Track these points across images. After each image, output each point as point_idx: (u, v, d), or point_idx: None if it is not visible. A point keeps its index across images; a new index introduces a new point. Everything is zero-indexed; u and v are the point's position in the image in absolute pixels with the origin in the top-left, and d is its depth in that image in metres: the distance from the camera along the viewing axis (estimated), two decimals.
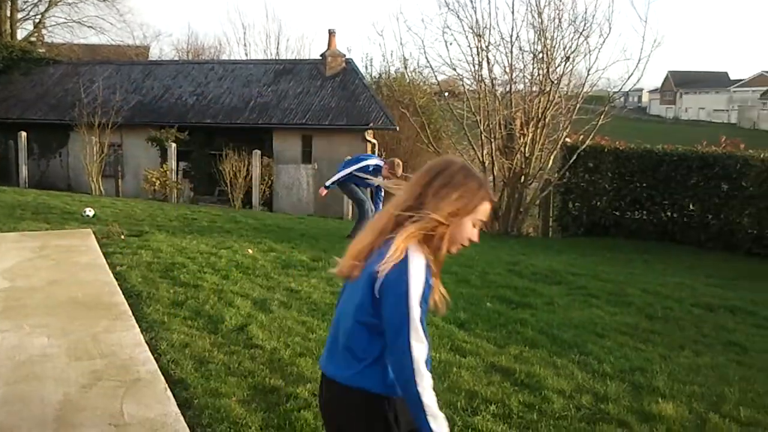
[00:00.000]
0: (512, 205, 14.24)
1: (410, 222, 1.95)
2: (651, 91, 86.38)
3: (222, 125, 20.68)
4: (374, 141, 20.46)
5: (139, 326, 4.73)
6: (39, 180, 20.96)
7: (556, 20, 13.88)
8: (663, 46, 33.14)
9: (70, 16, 30.44)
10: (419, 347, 1.88)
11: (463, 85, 15.27)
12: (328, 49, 22.15)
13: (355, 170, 8.57)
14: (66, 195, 14.04)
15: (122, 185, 20.23)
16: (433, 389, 1.91)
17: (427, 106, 19.90)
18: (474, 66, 14.53)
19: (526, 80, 14.63)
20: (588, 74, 14.06)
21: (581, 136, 13.78)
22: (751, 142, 14.11)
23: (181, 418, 3.41)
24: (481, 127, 14.27)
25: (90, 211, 9.89)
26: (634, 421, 3.69)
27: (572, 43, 13.83)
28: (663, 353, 5.03)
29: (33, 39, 28.26)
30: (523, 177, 14.11)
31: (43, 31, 29.55)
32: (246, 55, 40.06)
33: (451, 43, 22.11)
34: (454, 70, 15.11)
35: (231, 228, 9.59)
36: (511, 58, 14.39)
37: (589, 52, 13.88)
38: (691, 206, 12.73)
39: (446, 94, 17.97)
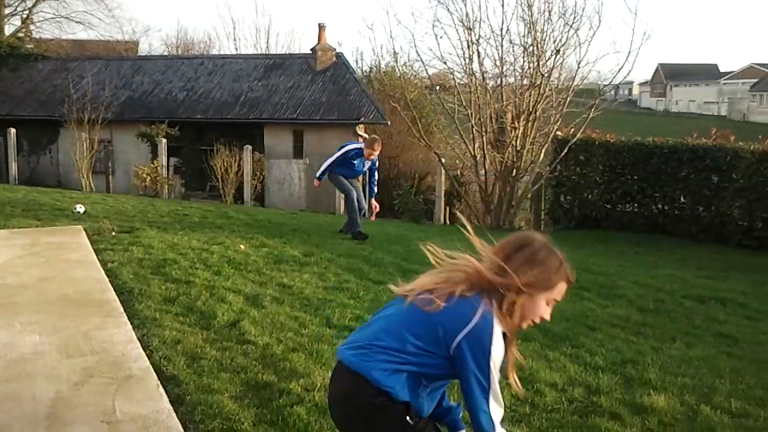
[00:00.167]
0: (504, 199, 14.27)
1: (490, 286, 2.02)
2: (641, 84, 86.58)
3: (212, 120, 20.61)
4: (365, 135, 20.42)
5: (131, 323, 4.71)
6: (29, 177, 20.84)
7: (546, 13, 13.92)
8: (653, 38, 33.30)
9: (58, 11, 30.26)
10: (498, 411, 2.00)
11: (453, 78, 15.27)
12: (319, 43, 22.08)
13: (339, 158, 8.61)
14: (56, 191, 13.95)
15: (113, 181, 20.13)
16: None
17: (418, 100, 19.88)
18: (465, 59, 14.56)
19: (517, 73, 14.68)
20: (578, 67, 14.12)
21: (572, 130, 13.80)
22: (741, 133, 14.14)
23: (174, 414, 3.40)
24: (473, 121, 14.28)
25: (80, 208, 9.83)
26: (626, 414, 3.71)
27: (562, 36, 13.87)
28: (654, 345, 5.06)
29: (21, 35, 28.05)
30: (514, 170, 14.13)
31: (31, 27, 29.34)
32: (236, 49, 39.97)
33: (441, 37, 21.87)
34: (445, 63, 15.13)
35: (223, 224, 9.56)
36: (502, 51, 14.43)
37: (580, 44, 13.93)
38: (681, 198, 12.76)
39: (437, 87, 17.97)
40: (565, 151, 13.49)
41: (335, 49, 22.29)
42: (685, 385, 4.21)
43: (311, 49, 22.40)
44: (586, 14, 16.04)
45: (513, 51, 14.53)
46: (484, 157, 14.18)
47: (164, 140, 18.74)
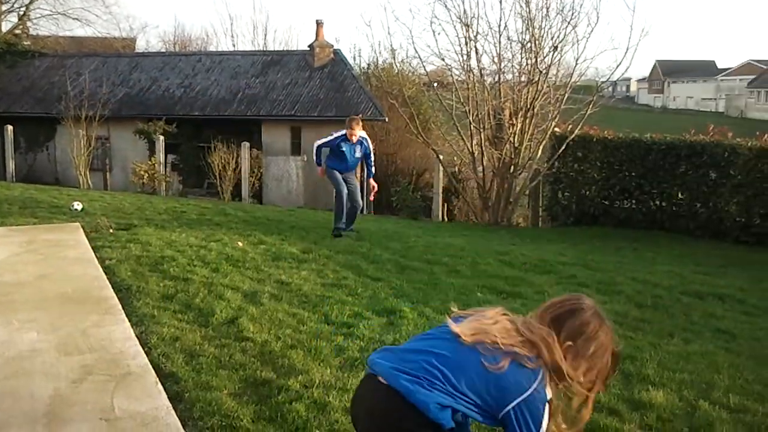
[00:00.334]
0: (502, 196, 14.26)
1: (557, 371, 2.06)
2: (639, 81, 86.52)
3: (210, 117, 20.58)
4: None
5: (129, 320, 4.71)
6: (26, 174, 20.79)
7: (544, 9, 13.88)
8: (651, 35, 33.31)
9: (55, 8, 30.21)
10: None
11: (451, 75, 15.26)
12: (316, 39, 22.05)
13: (323, 144, 8.67)
14: (54, 189, 13.94)
15: (110, 179, 20.10)
16: None
17: (416, 97, 19.86)
18: (462, 56, 14.52)
19: (515, 70, 14.64)
20: (576, 64, 14.10)
21: (570, 126, 13.78)
22: (739, 130, 14.15)
23: (172, 411, 3.40)
24: (470, 118, 14.27)
25: (78, 205, 9.82)
26: (625, 410, 3.71)
27: (560, 33, 13.83)
28: (653, 341, 5.06)
29: (18, 31, 27.93)
30: (512, 167, 14.12)
31: (28, 24, 29.20)
32: (233, 46, 39.86)
33: (439, 33, 22.04)
34: (443, 60, 15.10)
35: (220, 221, 9.55)
36: (500, 47, 14.40)
37: (577, 41, 13.89)
38: (679, 195, 12.76)
39: (435, 84, 17.95)
40: (563, 147, 13.48)
41: (333, 46, 22.25)
42: (683, 380, 4.21)
43: (309, 46, 22.37)
44: (584, 11, 16.20)
45: (511, 47, 14.53)
46: (482, 154, 14.17)
47: (162, 137, 18.71)
